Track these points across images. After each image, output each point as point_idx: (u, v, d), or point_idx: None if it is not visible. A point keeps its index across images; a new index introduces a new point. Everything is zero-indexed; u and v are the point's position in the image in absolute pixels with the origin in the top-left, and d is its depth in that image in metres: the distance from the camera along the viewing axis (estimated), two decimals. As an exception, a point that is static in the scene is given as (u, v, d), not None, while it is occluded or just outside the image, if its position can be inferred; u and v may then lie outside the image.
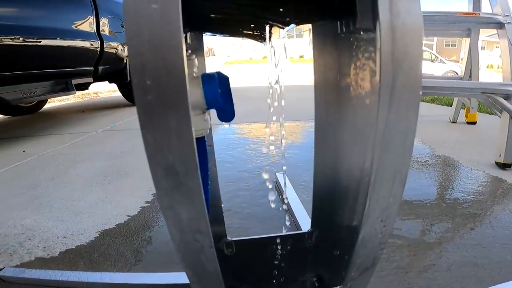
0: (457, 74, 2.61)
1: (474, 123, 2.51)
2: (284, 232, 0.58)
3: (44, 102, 3.94)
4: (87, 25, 2.86)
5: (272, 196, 0.52)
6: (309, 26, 0.46)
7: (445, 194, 1.19)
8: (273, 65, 0.38)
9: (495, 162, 1.52)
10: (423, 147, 1.85)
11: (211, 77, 0.32)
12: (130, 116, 3.13)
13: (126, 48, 3.40)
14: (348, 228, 0.37)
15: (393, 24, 0.26)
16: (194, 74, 0.33)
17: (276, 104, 0.43)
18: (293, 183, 1.23)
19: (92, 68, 3.03)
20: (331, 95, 0.48)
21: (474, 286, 0.67)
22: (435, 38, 15.66)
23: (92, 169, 1.56)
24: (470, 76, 2.42)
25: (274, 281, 0.58)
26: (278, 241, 0.57)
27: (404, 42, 0.27)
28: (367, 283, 0.40)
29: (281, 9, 0.28)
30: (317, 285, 0.60)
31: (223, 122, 0.36)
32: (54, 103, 4.52)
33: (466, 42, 2.37)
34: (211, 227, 0.60)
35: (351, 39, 0.37)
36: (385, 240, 0.35)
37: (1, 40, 1.98)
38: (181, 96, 0.23)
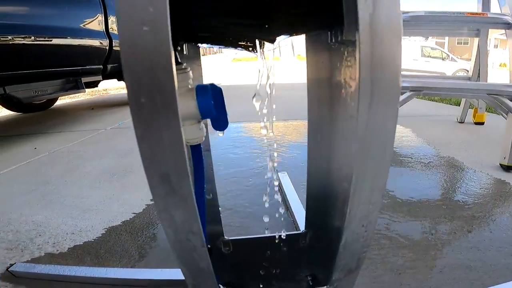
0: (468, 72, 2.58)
1: (482, 123, 2.48)
2: (279, 233, 0.60)
3: (55, 99, 4.02)
4: (96, 24, 2.90)
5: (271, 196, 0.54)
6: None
7: (445, 196, 1.20)
8: (265, 74, 0.40)
9: (500, 164, 1.52)
10: (428, 148, 1.85)
11: (204, 89, 0.35)
12: (138, 114, 3.18)
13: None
14: (335, 231, 0.39)
15: (372, 30, 0.27)
16: (189, 86, 0.36)
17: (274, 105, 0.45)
18: (295, 183, 1.25)
19: (101, 67, 3.08)
20: (323, 97, 0.50)
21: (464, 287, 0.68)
22: (446, 37, 15.39)
23: (100, 167, 1.60)
24: (479, 76, 2.41)
25: (270, 278, 0.60)
26: (272, 241, 0.60)
27: (382, 54, 0.29)
28: (353, 284, 0.42)
29: (268, 27, 0.31)
30: (311, 284, 0.63)
31: (217, 131, 0.38)
32: (64, 100, 4.61)
33: (477, 40, 2.34)
34: (209, 227, 0.63)
35: (341, 48, 0.39)
36: (367, 244, 0.37)
37: (13, 39, 2.03)
38: (172, 112, 0.26)
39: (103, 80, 3.33)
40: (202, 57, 0.51)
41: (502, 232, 0.92)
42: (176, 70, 0.35)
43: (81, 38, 2.70)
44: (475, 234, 0.91)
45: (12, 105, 3.73)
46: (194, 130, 0.37)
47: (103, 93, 6.07)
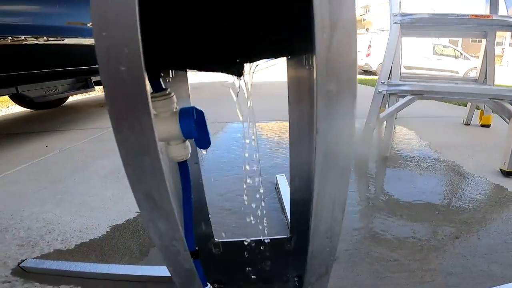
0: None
1: (488, 126, 2.47)
2: (265, 237, 0.65)
3: (67, 96, 4.13)
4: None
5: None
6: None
7: (440, 201, 1.22)
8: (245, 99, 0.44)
9: (500, 169, 1.53)
10: (429, 151, 1.85)
11: (187, 112, 0.39)
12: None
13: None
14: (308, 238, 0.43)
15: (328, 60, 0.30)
16: (174, 110, 0.40)
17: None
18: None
19: (111, 65, 3.16)
20: (303, 101, 0.53)
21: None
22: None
23: (107, 165, 1.67)
24: (486, 78, 2.39)
25: (258, 278, 0.65)
26: (260, 244, 0.64)
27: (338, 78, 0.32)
28: (326, 285, 0.47)
29: (245, 56, 0.34)
30: (297, 284, 0.67)
31: (202, 149, 0.43)
32: (76, 97, 4.72)
33: (485, 42, 2.33)
34: (199, 230, 0.67)
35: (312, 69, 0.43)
36: (333, 253, 0.41)
37: (25, 39, 2.09)
38: (152, 143, 0.30)
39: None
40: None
41: (491, 239, 0.94)
42: (160, 96, 0.39)
43: (90, 38, 2.76)
44: (462, 240, 0.93)
45: (24, 102, 3.85)
46: (179, 149, 0.42)
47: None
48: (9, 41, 1.87)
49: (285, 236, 0.68)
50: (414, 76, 2.82)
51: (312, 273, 0.44)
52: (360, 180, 1.46)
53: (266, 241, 0.65)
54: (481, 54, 2.39)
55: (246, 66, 0.41)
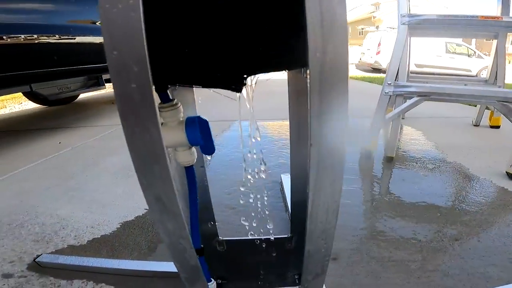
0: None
1: (498, 127, 2.44)
2: (268, 236, 0.68)
3: (78, 94, 4.22)
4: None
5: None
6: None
7: (443, 203, 1.23)
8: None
9: (506, 172, 1.52)
10: (436, 152, 1.85)
11: (192, 121, 0.42)
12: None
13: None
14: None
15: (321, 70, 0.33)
16: (181, 119, 0.43)
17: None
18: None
19: (121, 63, 3.21)
20: (302, 107, 0.56)
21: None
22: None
23: (118, 163, 1.72)
24: (496, 79, 2.37)
25: (259, 275, 0.68)
26: (262, 242, 0.67)
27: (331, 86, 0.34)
28: (322, 285, 0.49)
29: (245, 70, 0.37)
30: (297, 282, 0.70)
31: (207, 155, 0.46)
32: (86, 94, 4.81)
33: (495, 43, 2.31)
34: (205, 229, 0.71)
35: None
36: (328, 253, 0.44)
37: (38, 38, 2.14)
38: (161, 153, 0.33)
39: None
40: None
41: (491, 241, 0.95)
42: (167, 107, 0.43)
43: (101, 36, 2.82)
44: (462, 242, 0.95)
45: (37, 99, 3.94)
46: (186, 155, 0.45)
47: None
48: (22, 39, 1.92)
49: (286, 236, 0.71)
50: (423, 75, 2.80)
51: (309, 272, 0.47)
52: (364, 180, 1.47)
53: (268, 240, 0.68)
54: (491, 54, 2.37)
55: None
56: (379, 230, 1.03)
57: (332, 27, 0.30)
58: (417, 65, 9.02)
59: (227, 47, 0.33)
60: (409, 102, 1.64)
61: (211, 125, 0.47)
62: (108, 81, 3.26)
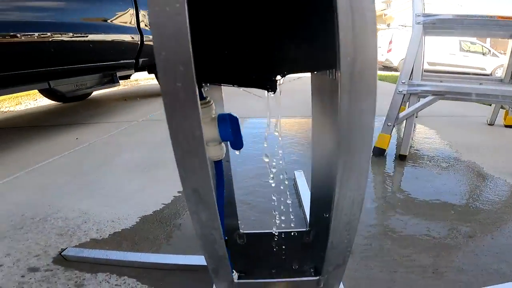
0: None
1: (512, 126, 2.42)
2: (286, 229, 0.70)
3: (91, 91, 4.30)
4: (129, 19, 3.03)
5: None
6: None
7: (457, 201, 1.23)
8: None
9: (521, 171, 1.52)
10: (450, 151, 1.85)
11: (224, 118, 0.45)
12: (167, 107, 3.35)
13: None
14: (327, 230, 0.48)
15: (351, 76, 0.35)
16: (213, 116, 0.46)
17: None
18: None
19: (134, 61, 3.25)
20: (325, 100, 0.57)
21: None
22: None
23: (134, 158, 1.76)
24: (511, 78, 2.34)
25: (278, 267, 0.70)
26: (281, 236, 0.70)
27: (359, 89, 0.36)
28: (341, 276, 0.52)
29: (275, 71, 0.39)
30: (313, 274, 0.72)
31: (235, 150, 0.49)
32: (99, 91, 4.89)
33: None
34: (226, 221, 0.73)
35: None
36: (350, 245, 0.46)
37: (51, 35, 2.18)
38: (201, 149, 0.36)
39: (135, 73, 3.52)
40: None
41: (504, 239, 0.96)
42: (202, 104, 0.45)
43: (116, 34, 2.86)
44: (476, 239, 0.96)
45: (53, 95, 4.02)
46: (216, 150, 0.48)
47: (134, 84, 6.35)
48: (36, 37, 1.95)
49: (304, 229, 0.74)
50: (437, 74, 2.78)
51: (330, 263, 0.49)
52: (376, 178, 1.48)
53: (286, 233, 0.71)
54: (507, 53, 2.34)
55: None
56: (393, 226, 1.05)
57: (363, 32, 0.33)
58: (430, 63, 8.90)
59: (264, 51, 0.35)
60: (423, 100, 1.64)
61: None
62: (122, 78, 3.32)
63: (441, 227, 1.04)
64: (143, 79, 6.97)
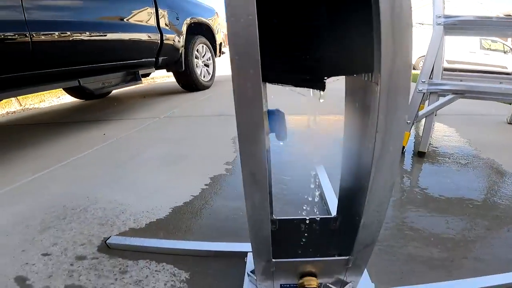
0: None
1: (532, 125, 2.41)
2: (314, 216, 0.77)
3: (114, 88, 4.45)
4: (150, 19, 3.13)
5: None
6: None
7: (474, 196, 1.26)
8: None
9: (540, 168, 1.53)
10: (469, 149, 1.86)
11: (273, 113, 0.51)
12: (184, 103, 3.45)
13: (181, 39, 3.68)
14: (358, 215, 0.54)
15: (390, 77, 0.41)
16: (264, 110, 0.52)
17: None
18: (332, 175, 1.38)
19: (154, 59, 3.36)
20: (357, 99, 0.63)
21: (469, 275, 0.81)
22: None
23: (159, 152, 1.85)
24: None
25: (306, 251, 0.77)
26: (309, 222, 0.76)
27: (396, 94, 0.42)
28: (369, 256, 0.58)
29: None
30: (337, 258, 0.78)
31: (280, 141, 0.55)
32: (122, 88, 5.03)
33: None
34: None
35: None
36: (380, 226, 0.52)
37: (80, 34, 2.27)
38: (262, 139, 0.42)
39: (155, 71, 3.63)
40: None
41: (521, 231, 1.00)
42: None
43: (138, 33, 2.96)
44: (493, 232, 1.00)
45: (77, 92, 4.18)
46: (266, 140, 0.54)
47: (151, 81, 6.49)
48: (56, 36, 2.04)
49: (331, 216, 0.80)
50: (457, 73, 2.77)
51: (361, 243, 0.55)
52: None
53: (316, 219, 0.77)
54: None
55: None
56: (411, 219, 1.09)
57: (401, 39, 0.38)
58: (449, 62, 8.74)
59: (314, 57, 0.41)
60: (443, 99, 1.67)
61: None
62: (143, 76, 3.43)
63: (459, 219, 1.08)
64: (159, 77, 7.11)
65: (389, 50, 0.39)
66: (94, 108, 3.58)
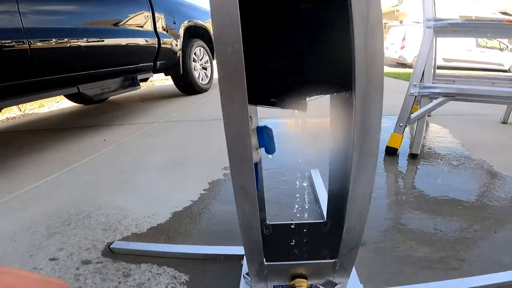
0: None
1: (525, 124, 2.45)
2: (306, 221, 0.81)
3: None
4: (147, 23, 3.16)
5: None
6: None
7: (464, 197, 1.30)
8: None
9: (530, 169, 1.57)
10: (461, 149, 1.90)
11: (261, 130, 0.56)
12: (182, 107, 3.49)
13: (178, 42, 3.71)
14: (342, 220, 0.58)
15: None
16: (253, 127, 0.57)
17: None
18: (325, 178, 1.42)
19: (152, 64, 3.39)
20: (344, 109, 0.68)
21: (456, 276, 0.85)
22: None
23: (160, 158, 1.90)
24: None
25: (298, 254, 0.81)
26: (302, 226, 0.81)
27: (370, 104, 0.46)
28: (354, 259, 0.62)
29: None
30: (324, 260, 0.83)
31: (269, 155, 0.60)
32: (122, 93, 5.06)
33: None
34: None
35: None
36: (362, 230, 0.56)
37: (77, 40, 2.28)
38: (249, 153, 0.47)
39: (153, 75, 3.67)
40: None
41: (507, 233, 1.04)
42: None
43: (136, 38, 2.99)
44: (480, 233, 1.04)
45: (77, 98, 4.22)
46: (255, 154, 0.58)
47: (149, 85, 6.52)
48: (54, 43, 2.07)
49: (322, 221, 0.84)
50: (451, 75, 2.81)
51: (346, 246, 0.59)
52: (388, 176, 1.57)
53: (307, 224, 0.82)
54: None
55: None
56: (403, 221, 1.14)
57: (373, 61, 0.43)
58: (446, 60, 8.77)
59: (298, 81, 0.46)
60: (434, 102, 1.71)
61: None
62: (141, 81, 3.47)
63: (448, 221, 1.12)
64: (157, 80, 7.16)
65: (363, 71, 0.43)
66: (94, 113, 3.62)
